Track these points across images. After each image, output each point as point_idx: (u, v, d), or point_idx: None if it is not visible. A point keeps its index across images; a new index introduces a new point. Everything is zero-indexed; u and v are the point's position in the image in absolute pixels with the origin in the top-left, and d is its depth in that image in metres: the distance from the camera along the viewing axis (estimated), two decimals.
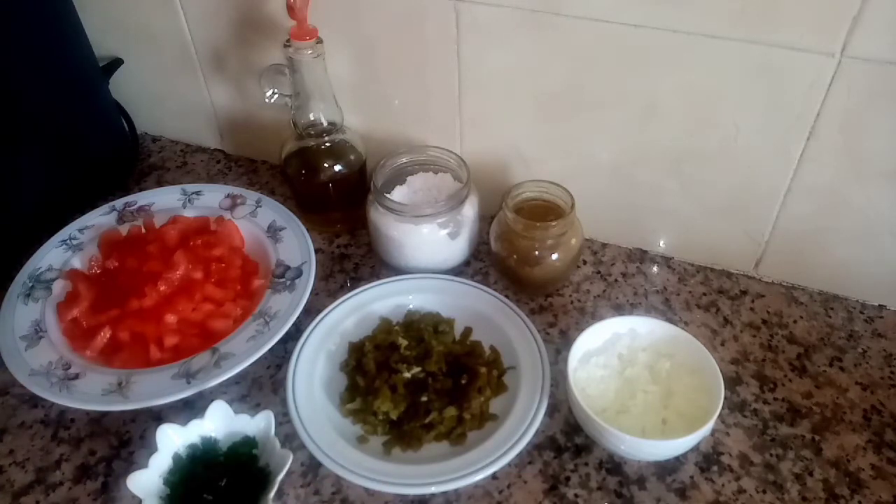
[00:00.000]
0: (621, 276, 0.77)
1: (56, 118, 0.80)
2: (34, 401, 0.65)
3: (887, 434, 0.62)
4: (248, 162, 0.94)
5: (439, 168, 0.77)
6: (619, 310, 0.73)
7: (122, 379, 0.61)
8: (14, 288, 0.70)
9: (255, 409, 0.63)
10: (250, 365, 0.63)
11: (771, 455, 0.60)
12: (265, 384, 0.66)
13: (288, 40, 0.69)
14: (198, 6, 0.80)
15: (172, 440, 0.57)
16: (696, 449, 0.60)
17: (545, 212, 0.71)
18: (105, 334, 0.65)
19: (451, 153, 0.75)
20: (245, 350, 0.63)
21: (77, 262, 0.73)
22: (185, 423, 0.57)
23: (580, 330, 0.62)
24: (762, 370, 0.67)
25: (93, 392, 0.60)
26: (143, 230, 0.76)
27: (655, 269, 0.78)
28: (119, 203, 0.80)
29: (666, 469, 0.59)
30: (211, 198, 0.80)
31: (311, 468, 0.60)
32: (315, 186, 0.78)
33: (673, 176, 0.71)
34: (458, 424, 0.61)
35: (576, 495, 0.58)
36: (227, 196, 0.80)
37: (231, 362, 0.62)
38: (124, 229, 0.77)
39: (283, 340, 0.65)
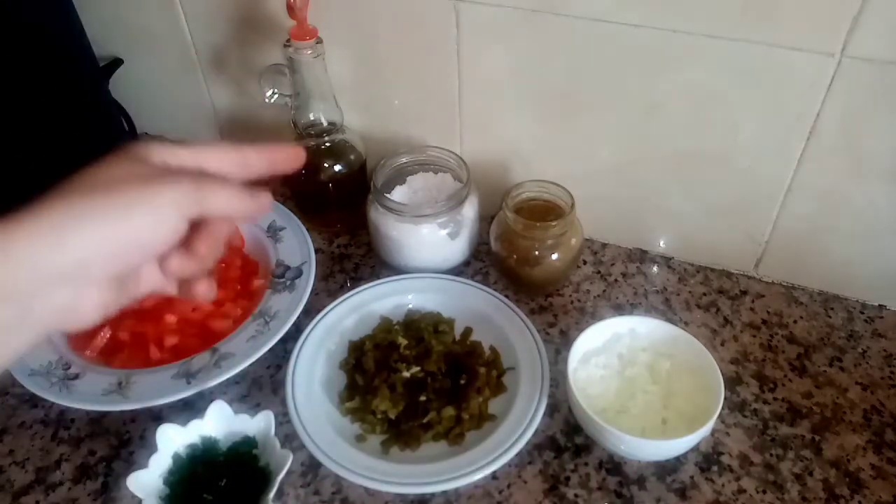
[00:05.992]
0: (621, 276, 0.77)
1: (56, 118, 0.80)
2: (34, 401, 0.65)
3: (887, 434, 0.62)
4: None
5: (439, 168, 0.77)
6: (619, 310, 0.73)
7: (122, 379, 0.61)
8: None
9: (255, 409, 0.62)
10: (250, 365, 0.63)
11: (771, 455, 0.60)
12: (265, 384, 0.66)
13: (288, 40, 0.68)
14: (198, 6, 0.80)
15: (172, 440, 0.57)
16: (696, 449, 0.60)
17: (545, 212, 0.71)
18: (105, 334, 0.65)
19: (451, 153, 0.75)
20: (245, 350, 0.63)
21: None
22: (185, 423, 0.57)
23: (580, 330, 0.62)
24: (762, 370, 0.67)
25: (93, 392, 0.60)
26: None
27: (655, 269, 0.78)
28: None
29: (666, 469, 0.59)
30: None
31: (311, 468, 0.60)
32: (315, 186, 0.78)
33: (673, 176, 0.71)
34: (455, 424, 0.61)
35: (576, 495, 0.58)
36: None
37: (231, 362, 0.62)
38: None
39: (283, 340, 0.65)
